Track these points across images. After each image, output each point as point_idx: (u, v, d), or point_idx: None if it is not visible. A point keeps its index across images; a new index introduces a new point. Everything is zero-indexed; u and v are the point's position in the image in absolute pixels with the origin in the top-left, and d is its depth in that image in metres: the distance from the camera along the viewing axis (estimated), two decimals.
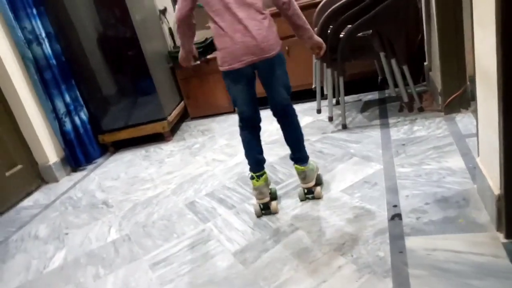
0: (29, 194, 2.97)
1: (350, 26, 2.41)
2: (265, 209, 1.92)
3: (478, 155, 1.61)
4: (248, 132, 1.89)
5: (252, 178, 1.90)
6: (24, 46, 2.88)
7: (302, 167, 1.90)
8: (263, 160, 1.94)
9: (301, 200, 1.95)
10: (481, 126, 1.54)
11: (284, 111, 1.86)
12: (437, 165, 1.91)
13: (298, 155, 1.92)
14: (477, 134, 1.61)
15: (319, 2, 2.81)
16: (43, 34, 2.99)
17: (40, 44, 2.96)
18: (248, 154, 1.91)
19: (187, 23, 1.71)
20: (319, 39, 1.82)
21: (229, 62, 1.68)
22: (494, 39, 1.21)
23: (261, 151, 1.93)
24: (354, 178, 2.01)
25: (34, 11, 2.93)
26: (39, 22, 2.96)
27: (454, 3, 2.17)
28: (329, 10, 2.42)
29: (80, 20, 3.08)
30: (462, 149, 1.99)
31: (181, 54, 1.86)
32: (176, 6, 1.69)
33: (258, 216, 1.92)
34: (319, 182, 1.99)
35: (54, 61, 3.05)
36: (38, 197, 2.91)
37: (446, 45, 2.25)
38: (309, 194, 1.94)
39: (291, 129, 1.90)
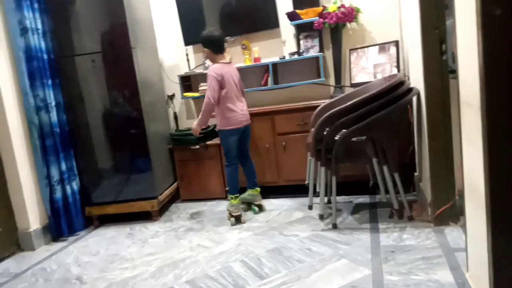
0: (0, 260, 2.82)
1: (345, 130, 2.54)
2: (237, 221, 2.96)
3: (467, 270, 1.60)
4: (233, 168, 2.99)
5: (231, 198, 2.97)
6: (33, 112, 2.99)
7: (258, 189, 3.15)
8: (239, 187, 3.03)
9: (255, 214, 3.09)
10: (470, 241, 1.55)
11: (248, 157, 3.14)
12: (426, 276, 1.88)
13: (255, 182, 3.16)
14: (466, 249, 1.62)
15: (317, 106, 2.99)
16: (53, 103, 3.11)
17: (48, 112, 3.07)
18: (230, 183, 3.01)
19: (213, 108, 2.88)
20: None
21: (234, 124, 2.91)
22: (482, 156, 1.29)
23: (238, 181, 3.01)
24: (341, 281, 1.96)
25: (50, 81, 3.09)
26: (51, 92, 3.11)
27: (444, 121, 2.32)
28: (325, 114, 2.55)
29: (91, 95, 3.24)
30: (451, 262, 1.97)
31: (196, 126, 2.93)
32: (208, 93, 2.80)
33: (233, 225, 2.93)
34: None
35: (58, 129, 3.13)
36: (9, 265, 2.76)
37: (437, 160, 2.35)
38: (258, 208, 3.13)
39: (251, 167, 3.16)
